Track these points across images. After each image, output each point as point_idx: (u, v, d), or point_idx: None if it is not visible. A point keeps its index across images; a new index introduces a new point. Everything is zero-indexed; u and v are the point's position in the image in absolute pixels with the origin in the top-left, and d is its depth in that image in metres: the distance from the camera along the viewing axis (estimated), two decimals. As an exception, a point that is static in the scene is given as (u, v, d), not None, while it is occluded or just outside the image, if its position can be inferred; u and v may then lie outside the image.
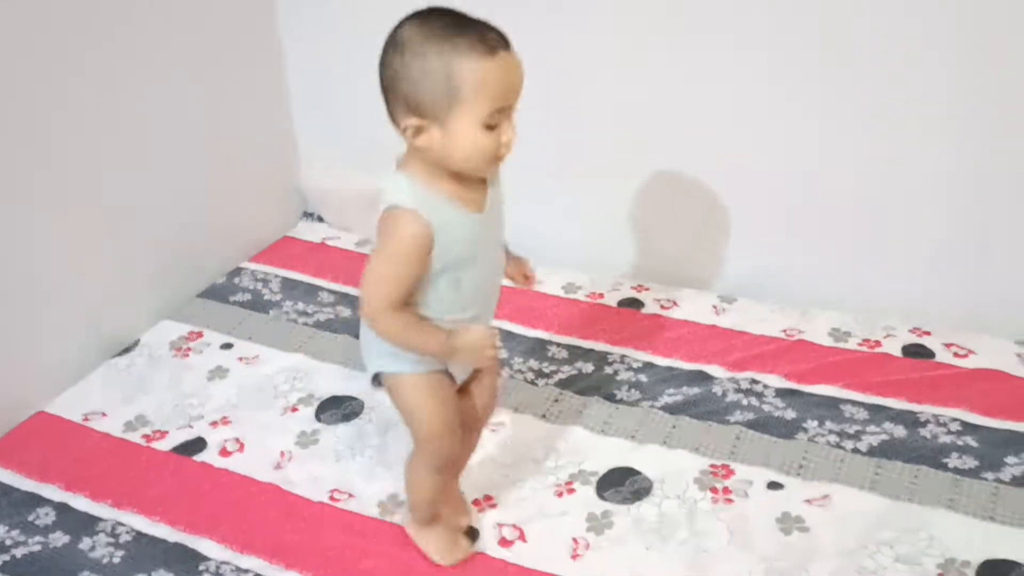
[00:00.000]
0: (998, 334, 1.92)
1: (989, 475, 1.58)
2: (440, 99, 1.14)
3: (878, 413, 1.75)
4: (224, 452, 1.75)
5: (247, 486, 1.67)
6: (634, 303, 2.14)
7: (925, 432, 1.69)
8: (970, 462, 1.61)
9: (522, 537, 1.54)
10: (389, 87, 1.19)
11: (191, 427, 1.82)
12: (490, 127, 1.16)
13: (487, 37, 1.14)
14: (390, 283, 1.23)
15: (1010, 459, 1.61)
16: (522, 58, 1.18)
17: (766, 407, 1.79)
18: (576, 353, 1.98)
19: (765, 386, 1.85)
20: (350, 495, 1.64)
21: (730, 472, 1.64)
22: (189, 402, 1.89)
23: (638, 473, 1.65)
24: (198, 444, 1.78)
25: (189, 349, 2.05)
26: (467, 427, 1.47)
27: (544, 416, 1.80)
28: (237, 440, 1.78)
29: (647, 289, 2.18)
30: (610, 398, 1.83)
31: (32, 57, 1.79)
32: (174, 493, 1.66)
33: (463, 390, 1.46)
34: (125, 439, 1.80)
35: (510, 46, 1.16)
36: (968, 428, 1.69)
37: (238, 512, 1.61)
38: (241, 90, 2.35)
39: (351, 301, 2.20)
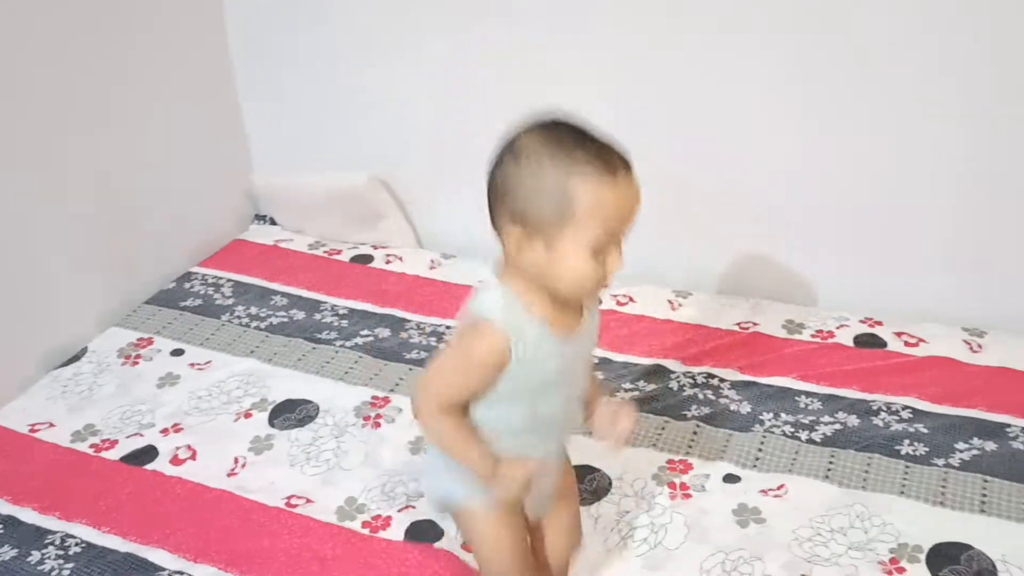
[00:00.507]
0: (947, 322, 1.95)
1: (939, 461, 1.60)
2: (551, 216, 1.04)
3: (831, 403, 1.77)
4: (176, 460, 1.72)
5: (200, 494, 1.64)
6: (590, 300, 2.14)
7: (877, 420, 1.71)
8: (921, 449, 1.63)
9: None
10: (498, 190, 1.08)
11: (141, 435, 1.79)
12: (597, 252, 1.06)
13: (610, 157, 1.05)
14: (450, 385, 1.14)
15: (959, 445, 1.64)
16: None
17: (722, 400, 1.80)
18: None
19: (721, 379, 1.86)
20: (307, 500, 1.62)
21: (688, 467, 1.64)
22: (139, 410, 1.85)
23: (597, 471, 1.65)
24: (149, 452, 1.74)
25: (139, 356, 2.01)
26: (541, 568, 1.37)
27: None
28: (189, 447, 1.75)
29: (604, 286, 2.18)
30: (567, 395, 1.83)
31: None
32: (125, 503, 1.63)
33: (538, 528, 1.36)
34: (73, 449, 1.76)
35: (631, 169, 1.07)
36: (919, 415, 1.71)
37: (191, 520, 1.58)
38: (190, 93, 2.31)
39: (305, 304, 2.18)
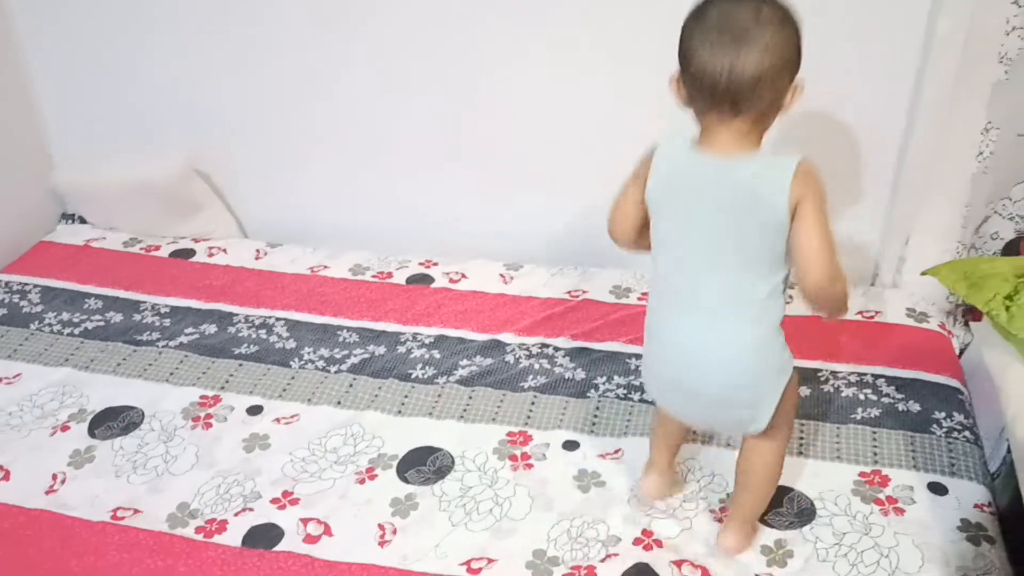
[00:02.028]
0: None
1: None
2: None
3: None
4: (-13, 483, 1.60)
5: (16, 516, 1.53)
6: (424, 279, 2.13)
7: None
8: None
9: (327, 531, 1.50)
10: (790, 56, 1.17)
11: (-54, 461, 1.65)
12: None
13: None
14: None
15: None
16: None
17: (557, 369, 1.83)
18: (367, 336, 1.95)
19: (556, 348, 1.89)
20: (135, 511, 1.54)
21: (528, 438, 1.66)
22: (-58, 433, 1.71)
23: (439, 450, 1.64)
24: (-45, 478, 1.61)
25: (-63, 374, 1.85)
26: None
27: (339, 403, 1.76)
28: (1, 467, 1.63)
29: (435, 264, 2.17)
30: (405, 378, 1.82)
31: None
32: (-68, 535, 1.50)
33: None
34: None
35: None
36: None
37: (10, 545, 1.48)
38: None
39: (122, 305, 2.06)
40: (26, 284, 2.15)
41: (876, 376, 1.76)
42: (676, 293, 1.31)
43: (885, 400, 1.70)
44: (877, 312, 1.92)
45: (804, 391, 1.71)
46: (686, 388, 1.34)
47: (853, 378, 1.75)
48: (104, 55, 2.22)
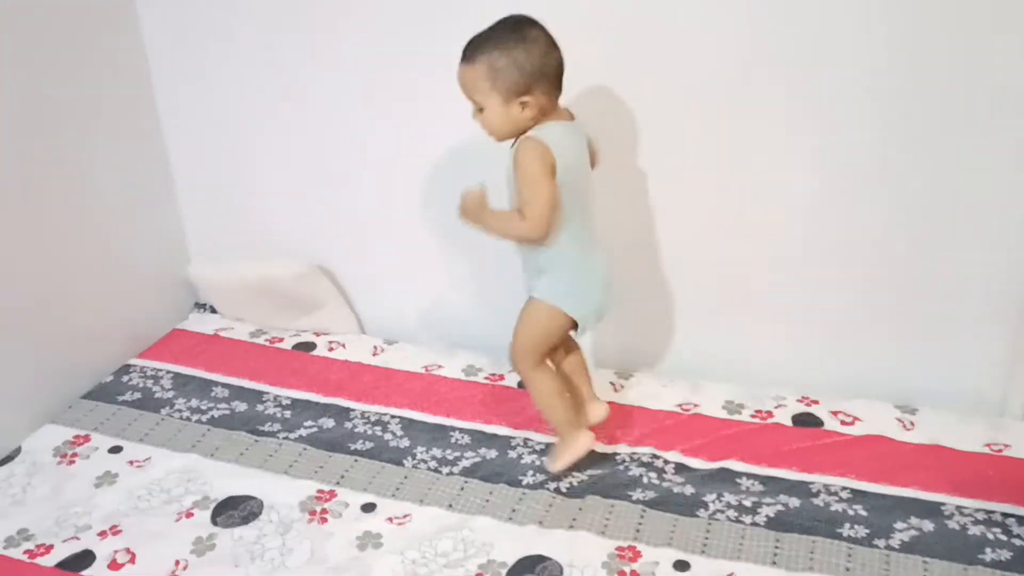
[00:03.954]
0: (881, 399, 2.01)
1: (880, 542, 1.64)
2: None
3: (772, 485, 1.80)
4: (114, 564, 1.67)
5: (139, 602, 1.60)
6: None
7: (818, 502, 1.75)
8: (861, 531, 1.67)
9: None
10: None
11: (78, 539, 1.73)
12: None
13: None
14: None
15: (898, 524, 1.68)
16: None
17: (666, 483, 1.82)
18: (479, 438, 1.98)
19: (665, 461, 1.88)
20: (251, 603, 1.58)
21: (637, 554, 1.65)
22: (75, 512, 1.80)
23: (548, 559, 1.64)
24: (86, 557, 1.69)
25: (75, 455, 1.96)
26: None
27: (450, 506, 1.79)
28: (128, 551, 1.70)
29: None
30: (515, 483, 1.84)
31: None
32: (61, 613, 1.57)
33: None
34: (6, 556, 1.69)
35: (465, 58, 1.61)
36: (857, 496, 1.76)
37: (131, 630, 1.54)
38: (124, 182, 2.30)
39: (247, 395, 2.15)
40: (159, 370, 2.27)
41: (1005, 515, 1.68)
42: (589, 237, 1.74)
43: (1016, 542, 1.62)
44: (1006, 446, 1.86)
45: (928, 525, 1.66)
46: (602, 305, 1.78)
47: (980, 515, 1.69)
48: (242, 159, 2.38)
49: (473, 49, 1.60)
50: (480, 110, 1.63)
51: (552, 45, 1.61)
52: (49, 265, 2.09)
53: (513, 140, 1.68)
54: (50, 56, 2.04)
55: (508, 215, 1.68)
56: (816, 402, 2.03)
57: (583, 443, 1.81)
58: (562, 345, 1.90)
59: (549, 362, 1.84)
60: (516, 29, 1.59)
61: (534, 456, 1.91)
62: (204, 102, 2.33)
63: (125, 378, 2.23)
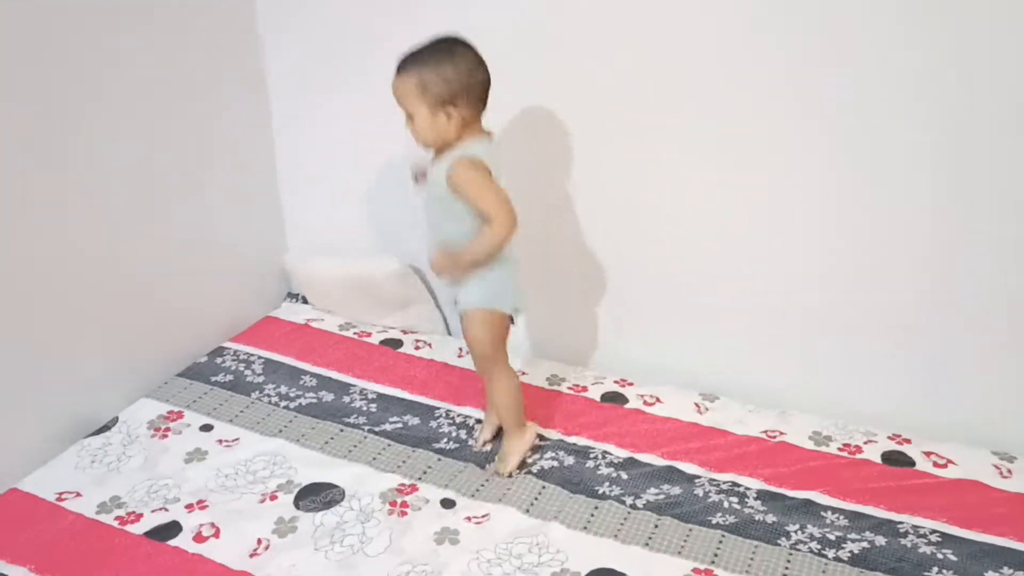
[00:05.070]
0: (976, 444, 1.95)
1: (970, 589, 1.59)
2: None
3: (858, 521, 1.76)
4: (199, 537, 1.72)
5: (220, 575, 1.63)
6: (616, 397, 2.15)
7: (905, 542, 1.70)
8: None
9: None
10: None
11: (166, 510, 1.79)
12: None
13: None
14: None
15: (989, 573, 1.62)
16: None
17: (747, 510, 1.79)
18: (558, 445, 1.98)
19: (746, 488, 1.85)
20: (328, 587, 1.61)
21: (713, 578, 1.63)
22: (165, 484, 1.86)
23: (621, 575, 1.63)
24: (173, 528, 1.74)
25: (168, 430, 2.02)
26: None
27: (527, 511, 1.79)
28: (213, 525, 1.75)
29: (630, 384, 2.19)
30: (592, 494, 1.83)
31: (29, 131, 1.82)
32: (146, 580, 1.62)
33: None
34: (98, 520, 1.76)
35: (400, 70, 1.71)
36: (947, 540, 1.70)
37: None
38: (229, 172, 2.38)
39: (334, 386, 2.20)
40: (251, 355, 2.33)
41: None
42: None
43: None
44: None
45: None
46: (519, 287, 1.87)
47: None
48: (343, 156, 2.43)
49: (406, 62, 1.71)
50: (410, 118, 1.72)
51: (478, 63, 1.71)
52: (157, 248, 2.17)
53: (435, 156, 1.77)
54: (179, 58, 2.14)
55: (477, 239, 1.75)
56: (908, 441, 1.98)
57: (531, 435, 1.94)
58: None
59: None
60: (446, 47, 1.70)
61: (611, 469, 1.91)
62: (315, 95, 2.39)
63: (219, 360, 2.29)
